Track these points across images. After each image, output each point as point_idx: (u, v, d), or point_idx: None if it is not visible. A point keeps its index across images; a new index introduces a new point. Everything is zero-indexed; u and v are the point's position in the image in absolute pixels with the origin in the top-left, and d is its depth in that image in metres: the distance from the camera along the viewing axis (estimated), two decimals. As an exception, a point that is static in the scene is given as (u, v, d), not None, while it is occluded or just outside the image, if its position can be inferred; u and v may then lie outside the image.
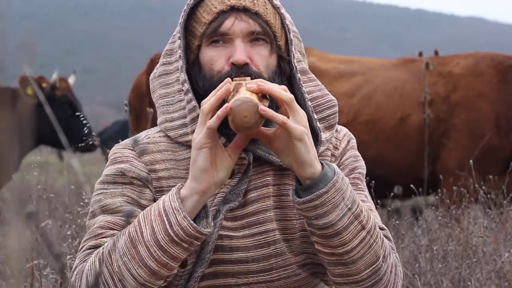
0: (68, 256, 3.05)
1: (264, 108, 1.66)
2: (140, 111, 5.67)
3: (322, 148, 1.89)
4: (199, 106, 1.80)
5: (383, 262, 1.77)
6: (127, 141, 1.92)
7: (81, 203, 3.30)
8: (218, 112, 1.67)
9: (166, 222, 1.69)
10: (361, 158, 1.97)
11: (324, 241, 1.74)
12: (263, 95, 1.72)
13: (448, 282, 3.52)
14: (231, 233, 1.83)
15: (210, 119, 1.69)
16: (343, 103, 5.56)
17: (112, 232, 1.79)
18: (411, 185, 4.17)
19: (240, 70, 1.80)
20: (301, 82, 1.89)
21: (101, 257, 1.73)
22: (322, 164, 1.74)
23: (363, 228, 1.74)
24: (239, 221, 1.84)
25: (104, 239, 1.78)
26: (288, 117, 1.70)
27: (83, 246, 1.80)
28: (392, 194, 4.26)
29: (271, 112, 1.66)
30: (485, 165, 5.03)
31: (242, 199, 1.85)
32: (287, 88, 1.73)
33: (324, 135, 1.90)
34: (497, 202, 4.20)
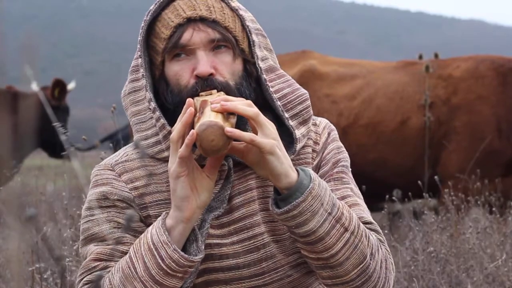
0: (68, 259, 3.05)
1: (229, 129, 1.65)
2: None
3: (300, 145, 1.87)
4: (170, 123, 1.80)
5: (371, 260, 1.76)
6: (107, 161, 1.92)
7: (81, 206, 3.30)
8: (186, 141, 1.66)
9: (157, 257, 1.70)
10: (344, 149, 1.96)
11: (308, 247, 1.74)
12: (230, 112, 1.71)
13: (445, 286, 3.52)
14: (220, 241, 1.82)
15: (180, 146, 1.68)
16: (343, 106, 5.56)
17: (105, 263, 1.80)
18: (410, 188, 4.18)
19: (206, 83, 1.78)
20: (267, 83, 1.87)
21: None
22: (298, 171, 1.73)
23: (346, 230, 1.73)
24: (227, 228, 1.84)
25: (99, 272, 1.80)
26: (256, 131, 1.69)
27: (80, 280, 1.82)
28: (389, 197, 4.26)
29: (237, 132, 1.65)
30: (486, 168, 5.03)
31: (227, 206, 1.83)
32: (252, 103, 1.71)
33: (299, 132, 1.88)
34: (496, 205, 4.20)
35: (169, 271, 1.70)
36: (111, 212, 1.85)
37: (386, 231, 3.77)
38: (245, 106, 1.70)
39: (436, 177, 4.50)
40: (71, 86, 7.27)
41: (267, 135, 1.68)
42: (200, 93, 1.77)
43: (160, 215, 1.79)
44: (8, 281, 3.53)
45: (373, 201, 4.98)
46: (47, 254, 3.57)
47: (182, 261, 1.70)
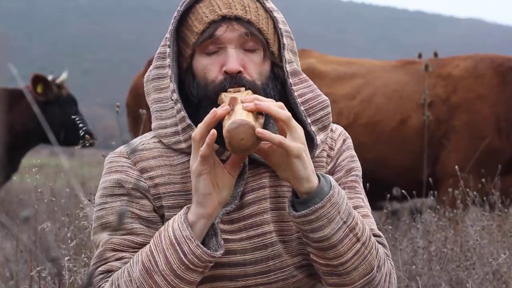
0: (66, 258, 3.04)
1: (261, 130, 1.66)
2: (138, 112, 5.66)
3: (318, 151, 1.88)
4: (192, 115, 1.80)
5: (377, 272, 1.79)
6: (122, 148, 1.92)
7: (80, 205, 3.29)
8: (207, 140, 1.68)
9: (180, 252, 1.72)
10: (357, 158, 1.97)
11: (319, 253, 1.76)
12: (258, 112, 1.72)
13: (446, 284, 3.51)
14: (228, 236, 1.83)
15: (202, 144, 1.69)
16: (343, 105, 5.55)
17: (120, 254, 1.81)
18: (410, 187, 4.17)
19: (234, 80, 1.79)
20: (292, 87, 1.89)
21: None
22: (318, 177, 1.74)
23: (358, 240, 1.75)
24: (236, 224, 1.85)
25: (114, 263, 1.80)
26: (285, 134, 1.70)
27: (94, 270, 1.82)
28: (389, 196, 4.26)
29: (268, 134, 1.66)
30: (485, 167, 5.03)
31: (238, 202, 1.84)
32: (283, 105, 1.73)
33: (318, 137, 1.89)
34: (495, 204, 4.20)
35: (191, 266, 1.71)
36: (124, 200, 1.84)
37: (390, 227, 3.76)
38: (277, 108, 1.71)
39: (430, 179, 4.51)
40: (63, 77, 7.15)
41: (296, 139, 1.70)
42: (229, 89, 1.78)
43: (173, 206, 1.83)
44: (7, 280, 3.53)
45: (373, 200, 4.97)
46: (44, 254, 3.57)
47: (204, 257, 1.71)
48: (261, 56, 1.84)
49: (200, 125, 1.71)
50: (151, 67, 1.92)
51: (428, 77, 5.47)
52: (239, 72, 1.79)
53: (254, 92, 1.79)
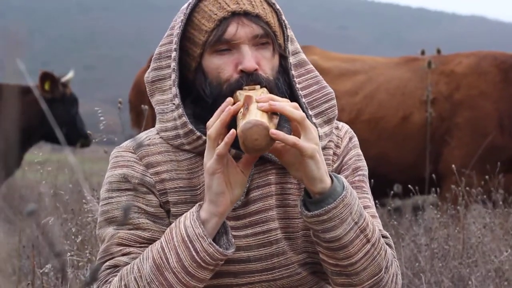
0: (69, 254, 3.04)
1: (275, 131, 1.66)
2: (141, 108, 5.66)
3: (322, 143, 1.87)
4: (207, 116, 1.78)
5: (385, 273, 1.80)
6: (128, 143, 1.91)
7: (83, 200, 3.29)
8: (226, 139, 1.68)
9: (192, 249, 1.72)
10: (363, 157, 1.97)
11: (329, 253, 1.76)
12: (273, 112, 1.72)
13: (448, 281, 3.51)
14: (234, 232, 1.83)
15: (218, 143, 1.69)
16: (345, 101, 5.55)
17: (127, 249, 1.81)
18: (412, 184, 4.17)
19: (250, 78, 1.78)
20: (295, 79, 1.89)
21: (127, 284, 1.75)
22: (331, 177, 1.74)
23: (368, 241, 1.76)
24: (242, 220, 1.84)
25: (121, 258, 1.80)
26: (299, 134, 1.70)
27: (102, 264, 1.81)
28: (392, 192, 4.25)
29: (282, 135, 1.67)
30: (488, 164, 5.02)
31: (244, 198, 1.84)
32: (298, 106, 1.73)
33: (322, 130, 1.89)
34: (497, 201, 4.20)
35: (202, 263, 1.72)
36: (130, 195, 1.84)
37: (394, 223, 3.76)
38: (292, 108, 1.71)
39: (433, 175, 4.51)
40: (69, 76, 7.17)
41: (310, 140, 1.70)
42: (244, 87, 1.77)
43: (179, 202, 1.83)
44: (10, 275, 3.53)
45: (374, 197, 4.97)
46: (48, 249, 3.57)
47: (216, 255, 1.72)
48: (271, 50, 1.83)
49: (216, 123, 1.71)
50: (149, 68, 1.91)
51: (431, 74, 5.47)
52: (255, 69, 1.79)
53: (269, 89, 1.79)
